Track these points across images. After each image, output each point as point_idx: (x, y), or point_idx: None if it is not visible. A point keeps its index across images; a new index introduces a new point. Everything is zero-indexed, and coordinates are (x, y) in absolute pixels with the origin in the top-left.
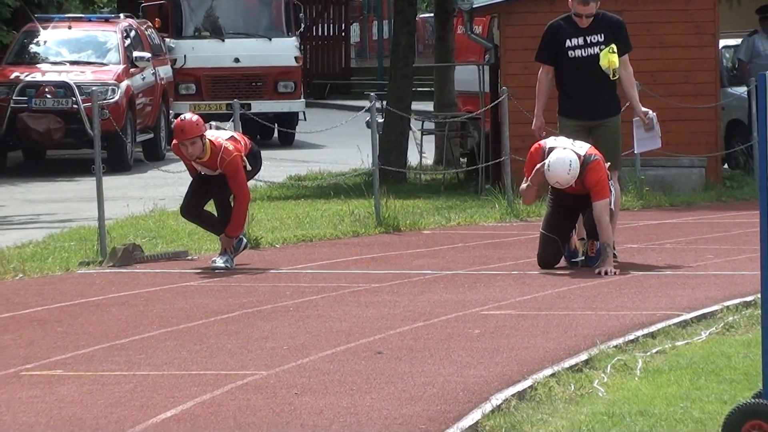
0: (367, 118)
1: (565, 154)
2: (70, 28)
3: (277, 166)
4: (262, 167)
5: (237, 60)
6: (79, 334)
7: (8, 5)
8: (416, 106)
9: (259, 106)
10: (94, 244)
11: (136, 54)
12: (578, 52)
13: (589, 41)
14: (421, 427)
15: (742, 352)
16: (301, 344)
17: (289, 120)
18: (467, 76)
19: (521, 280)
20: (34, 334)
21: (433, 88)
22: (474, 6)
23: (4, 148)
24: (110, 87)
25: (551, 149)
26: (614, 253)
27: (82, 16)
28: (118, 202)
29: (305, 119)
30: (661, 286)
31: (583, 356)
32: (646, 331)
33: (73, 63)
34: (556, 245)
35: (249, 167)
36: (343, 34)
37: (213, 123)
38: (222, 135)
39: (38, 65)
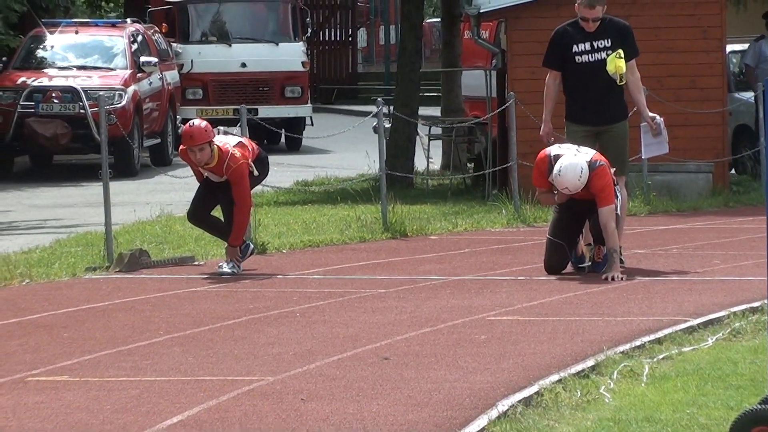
0: (374, 124)
1: (576, 160)
2: (77, 32)
3: (284, 171)
4: (269, 172)
5: (244, 65)
6: (86, 340)
7: (15, 10)
8: (423, 111)
9: (266, 111)
10: (100, 249)
11: (143, 59)
12: (585, 58)
13: (596, 46)
14: None
15: (749, 358)
16: (308, 350)
17: (296, 125)
18: (474, 81)
19: (528, 285)
20: (40, 339)
21: (440, 93)
22: (481, 11)
23: (11, 153)
24: (117, 92)
25: (556, 156)
26: (621, 259)
27: (89, 21)
28: (125, 208)
29: (312, 124)
30: (668, 292)
31: (590, 362)
32: (652, 337)
33: (80, 68)
34: (562, 251)
35: (256, 173)
36: (350, 39)
37: (221, 128)
38: (230, 141)
39: (45, 70)
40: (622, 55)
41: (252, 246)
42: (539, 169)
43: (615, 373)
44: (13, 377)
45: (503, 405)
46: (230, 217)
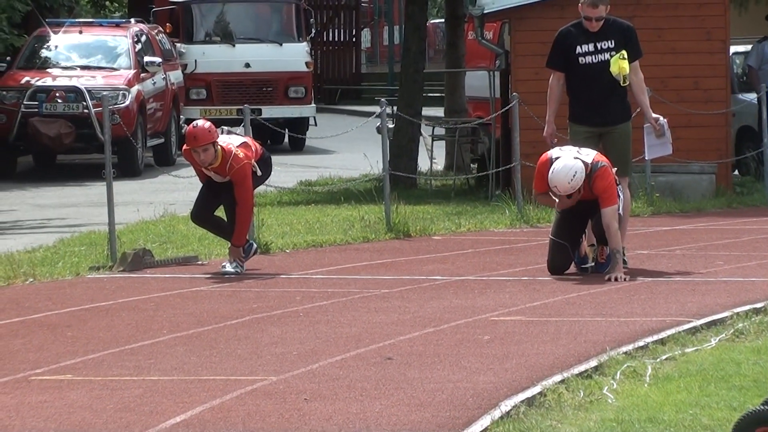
0: (378, 124)
1: (572, 163)
2: (80, 32)
3: (288, 172)
4: (272, 173)
5: (248, 65)
6: (89, 339)
7: (19, 10)
8: (427, 111)
9: (269, 112)
10: (104, 248)
11: (146, 59)
12: (589, 59)
13: (599, 47)
14: None
15: (752, 358)
16: (311, 350)
17: (299, 125)
18: (478, 82)
19: (531, 286)
20: (43, 338)
21: (443, 94)
22: (485, 12)
23: (15, 152)
24: (121, 92)
25: (558, 159)
26: (624, 260)
27: (93, 20)
28: (129, 207)
29: (316, 124)
30: (671, 293)
31: (593, 363)
32: (655, 337)
33: (83, 68)
34: (565, 251)
35: (260, 173)
36: (353, 39)
37: (225, 128)
38: (234, 141)
39: (49, 70)
40: (626, 56)
41: (255, 246)
42: (540, 172)
43: (618, 373)
44: (16, 376)
45: (506, 405)
46: (233, 217)
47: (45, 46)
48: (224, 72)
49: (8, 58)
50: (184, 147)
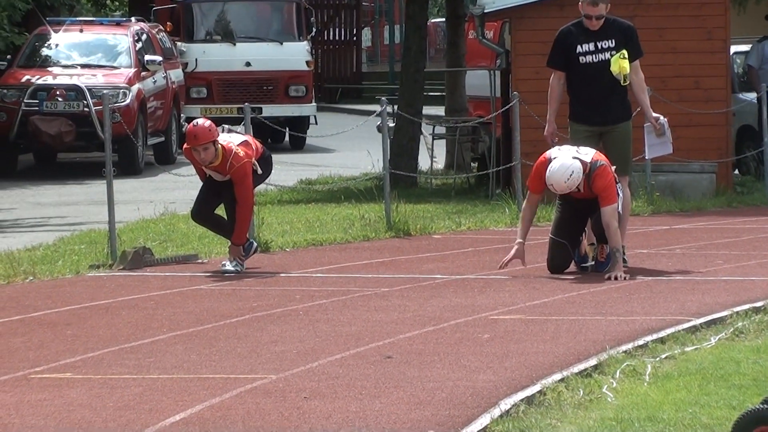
0: (378, 123)
1: (569, 162)
2: (81, 31)
3: (288, 170)
4: (272, 171)
5: (248, 64)
6: (89, 337)
7: (19, 8)
8: (427, 110)
9: (270, 110)
10: (104, 247)
11: (147, 57)
12: (589, 58)
13: (600, 47)
14: None
15: (752, 357)
16: (311, 348)
17: (300, 124)
18: (478, 81)
19: (531, 284)
20: (43, 336)
21: (444, 93)
22: (485, 11)
23: (15, 151)
24: (121, 90)
25: (555, 159)
26: (624, 258)
27: (94, 19)
28: (129, 206)
29: (316, 123)
30: (671, 292)
31: (593, 361)
32: (655, 336)
33: (84, 66)
34: (565, 250)
35: (260, 171)
36: (354, 38)
37: (225, 126)
38: (234, 139)
39: (49, 68)
40: (626, 55)
41: (255, 244)
42: (538, 171)
43: (618, 372)
44: (16, 374)
45: (506, 404)
46: (233, 216)
47: (46, 45)
48: (225, 71)
49: (9, 57)
50: (185, 145)
